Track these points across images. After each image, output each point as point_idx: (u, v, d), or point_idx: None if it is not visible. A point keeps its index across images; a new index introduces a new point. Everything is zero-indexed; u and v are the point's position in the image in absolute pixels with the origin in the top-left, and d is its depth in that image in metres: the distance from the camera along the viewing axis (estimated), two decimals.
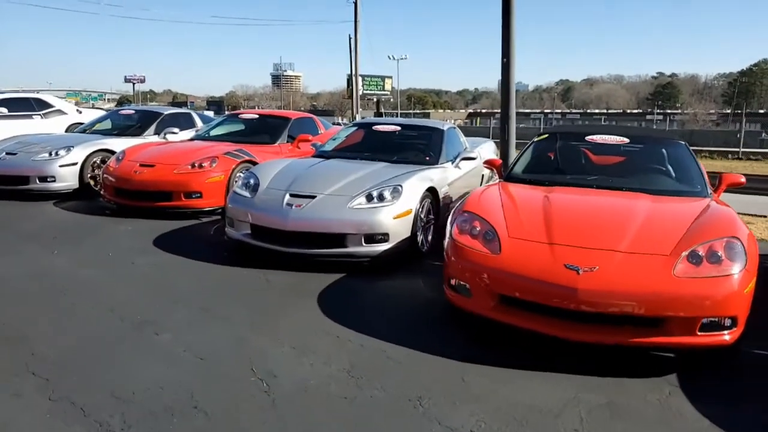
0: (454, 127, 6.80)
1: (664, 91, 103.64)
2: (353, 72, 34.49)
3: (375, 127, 6.51)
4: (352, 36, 35.32)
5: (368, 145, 6.40)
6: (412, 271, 4.86)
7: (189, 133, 8.81)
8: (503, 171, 4.94)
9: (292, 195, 4.93)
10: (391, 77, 62.12)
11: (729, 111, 77.64)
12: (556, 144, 4.97)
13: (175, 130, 8.67)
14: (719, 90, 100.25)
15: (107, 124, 9.43)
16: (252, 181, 5.29)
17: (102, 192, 7.10)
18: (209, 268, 4.79)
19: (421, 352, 3.25)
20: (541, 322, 3.14)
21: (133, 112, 9.64)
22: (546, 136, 5.03)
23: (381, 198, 4.79)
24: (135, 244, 5.49)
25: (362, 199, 4.79)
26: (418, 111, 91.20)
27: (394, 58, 67.26)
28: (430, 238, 5.32)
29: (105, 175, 6.99)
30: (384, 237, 4.68)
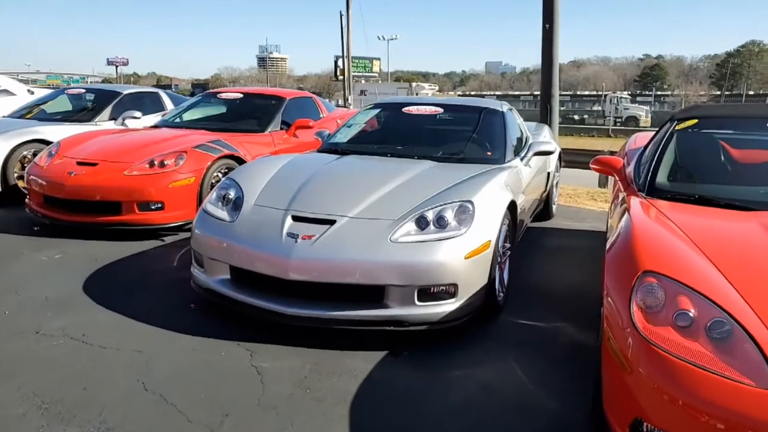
0: (512, 108, 4.95)
1: (651, 73, 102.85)
2: (345, 49, 32.35)
3: (406, 109, 4.62)
4: (344, 13, 33.19)
5: (398, 135, 4.53)
6: (488, 337, 3.05)
7: (155, 119, 6.84)
8: (636, 179, 3.09)
9: (296, 218, 3.08)
10: (379, 59, 59.90)
11: (719, 93, 78.26)
12: (717, 134, 3.13)
13: (137, 114, 6.71)
14: (705, 72, 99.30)
15: (51, 107, 7.43)
16: (232, 194, 3.43)
17: (27, 200, 5.18)
18: (162, 343, 2.94)
19: None
20: None
21: (84, 91, 7.64)
22: (695, 121, 3.16)
23: (441, 224, 2.96)
24: (53, 289, 3.61)
25: (410, 226, 2.96)
26: None
27: (384, 39, 64.98)
28: (507, 278, 3.50)
29: (31, 177, 5.07)
30: (450, 290, 2.86)
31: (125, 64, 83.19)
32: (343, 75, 33.75)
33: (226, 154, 5.10)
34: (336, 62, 40.76)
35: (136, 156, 4.89)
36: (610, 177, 9.62)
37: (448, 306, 2.85)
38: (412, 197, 3.18)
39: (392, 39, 63.44)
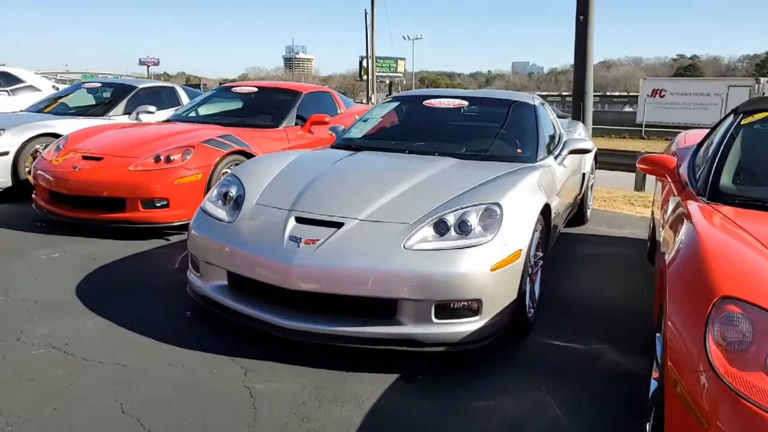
0: (544, 102, 4.54)
1: (685, 74, 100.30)
2: (369, 49, 32.15)
3: (427, 102, 4.25)
4: (369, 11, 32.95)
5: (418, 130, 4.17)
6: (516, 361, 2.67)
7: (170, 114, 6.61)
8: (693, 181, 2.67)
9: (299, 220, 2.75)
10: (404, 59, 59.48)
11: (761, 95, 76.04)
12: None
13: (152, 108, 6.49)
14: (743, 72, 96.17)
15: (67, 102, 7.27)
16: (233, 192, 3.12)
17: (34, 195, 4.97)
18: (150, 356, 2.64)
19: None
20: None
21: (100, 85, 7.46)
22: (765, 114, 2.72)
23: (464, 229, 2.59)
24: (46, 291, 3.35)
25: (428, 231, 2.60)
26: None
27: (409, 38, 64.50)
28: (538, 292, 3.11)
29: (37, 171, 4.86)
30: (473, 306, 2.49)
31: (156, 64, 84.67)
32: (367, 74, 33.50)
33: (237, 149, 4.81)
34: (361, 62, 40.49)
35: (143, 151, 4.64)
36: (648, 178, 9.11)
37: (470, 325, 2.48)
38: (430, 199, 2.82)
39: (417, 38, 62.91)
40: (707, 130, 3.45)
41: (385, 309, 2.49)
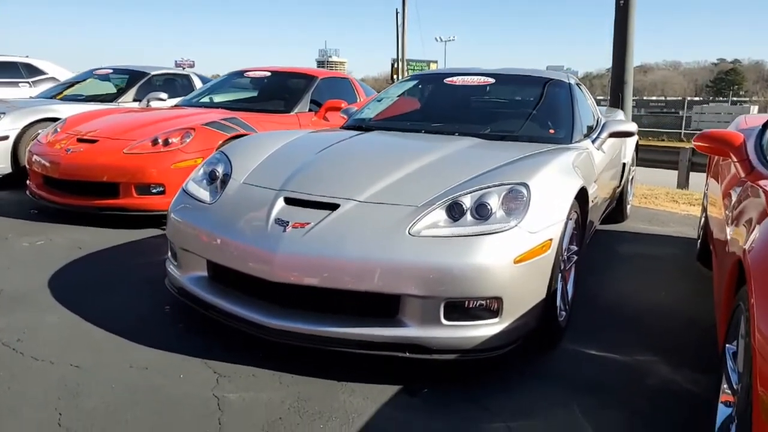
0: (580, 84, 4.04)
1: (726, 78, 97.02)
2: (399, 51, 31.81)
3: (449, 80, 3.79)
4: (400, 10, 32.61)
5: (437, 110, 3.73)
6: (543, 374, 2.21)
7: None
8: (765, 160, 2.16)
9: (289, 201, 2.34)
10: (436, 62, 58.91)
11: None
12: None
13: (163, 95, 6.17)
14: None
15: (78, 89, 7.05)
16: (220, 170, 2.73)
17: (28, 180, 4.69)
18: (110, 357, 2.26)
19: None
20: None
21: (111, 71, 7.22)
22: None
23: (482, 213, 2.14)
24: (16, 281, 3.02)
25: (439, 215, 2.15)
26: None
27: (441, 40, 63.91)
28: (571, 293, 2.63)
29: (33, 155, 4.58)
30: (492, 305, 2.03)
31: (191, 65, 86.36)
32: (398, 76, 33.13)
33: (241, 133, 4.42)
34: (392, 65, 40.04)
35: (141, 134, 4.31)
36: (692, 177, 8.43)
37: (487, 328, 2.03)
38: (444, 179, 2.37)
39: (449, 40, 62.23)
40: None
41: (384, 307, 2.06)
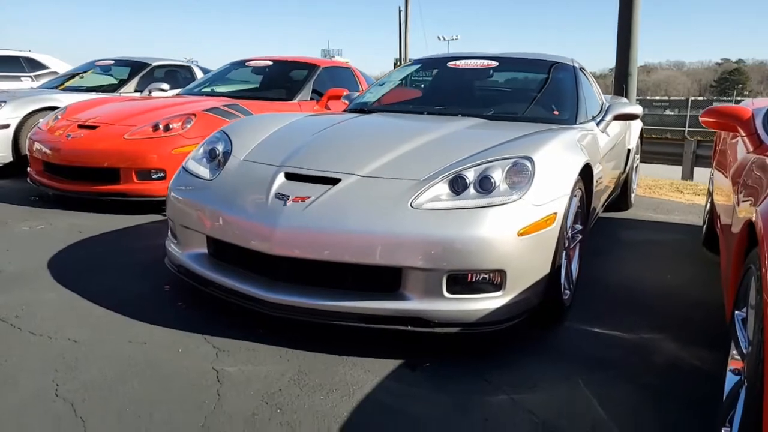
0: (585, 69, 4.00)
1: (730, 78, 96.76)
2: (402, 49, 31.77)
3: (452, 64, 3.76)
4: (402, 9, 32.58)
5: (441, 93, 3.70)
6: (547, 350, 2.17)
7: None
8: None
9: (289, 176, 2.31)
10: None
11: None
12: None
13: (164, 86, 6.14)
14: None
15: (79, 80, 7.03)
16: (220, 148, 2.70)
17: (29, 168, 4.68)
18: (109, 332, 2.23)
19: None
20: None
21: (113, 62, 7.20)
22: None
23: (485, 186, 2.11)
24: (14, 262, 3.00)
25: (441, 189, 2.12)
26: None
27: (444, 39, 63.78)
28: (575, 271, 2.60)
29: (33, 142, 4.56)
30: (495, 278, 2.00)
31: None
32: None
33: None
34: (395, 65, 40.06)
35: (142, 119, 4.29)
36: (697, 170, 8.38)
37: (490, 301, 2.00)
38: (447, 154, 2.34)
39: (453, 39, 62.12)
40: None
41: (386, 280, 2.03)
